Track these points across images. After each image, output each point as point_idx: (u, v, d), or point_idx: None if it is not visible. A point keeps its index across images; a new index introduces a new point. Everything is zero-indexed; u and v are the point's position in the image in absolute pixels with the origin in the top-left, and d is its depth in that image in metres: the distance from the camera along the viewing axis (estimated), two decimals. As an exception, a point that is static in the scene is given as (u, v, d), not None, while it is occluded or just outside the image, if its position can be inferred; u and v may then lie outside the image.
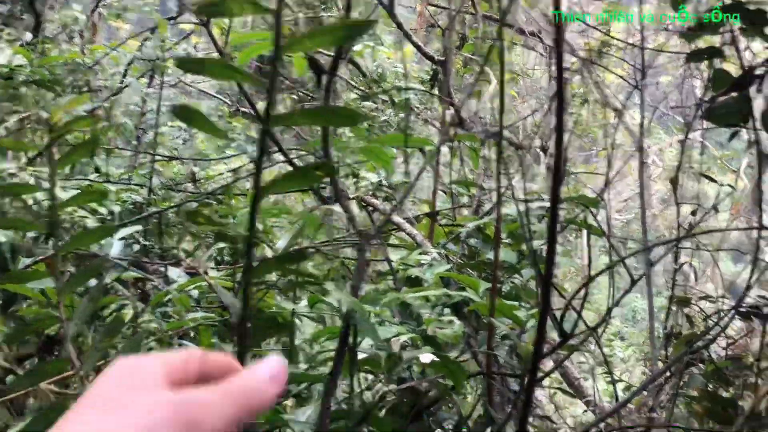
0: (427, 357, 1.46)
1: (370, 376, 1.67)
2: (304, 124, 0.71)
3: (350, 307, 1.13)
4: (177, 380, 0.48)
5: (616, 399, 2.42)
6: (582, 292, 1.49)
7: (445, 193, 2.40)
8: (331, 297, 1.49)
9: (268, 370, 0.49)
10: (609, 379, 3.59)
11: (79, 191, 1.56)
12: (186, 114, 0.60)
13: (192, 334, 1.80)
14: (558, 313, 1.55)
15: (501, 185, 1.85)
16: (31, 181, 2.02)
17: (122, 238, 1.93)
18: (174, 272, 2.06)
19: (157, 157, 2.54)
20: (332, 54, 1.77)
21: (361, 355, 1.39)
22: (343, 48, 1.58)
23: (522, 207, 2.03)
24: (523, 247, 1.83)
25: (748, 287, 2.00)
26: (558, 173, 1.24)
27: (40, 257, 1.63)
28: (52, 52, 3.15)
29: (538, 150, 6.13)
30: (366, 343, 1.39)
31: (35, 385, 1.20)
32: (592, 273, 2.00)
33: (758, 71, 1.87)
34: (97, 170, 2.68)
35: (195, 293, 1.92)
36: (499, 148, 1.43)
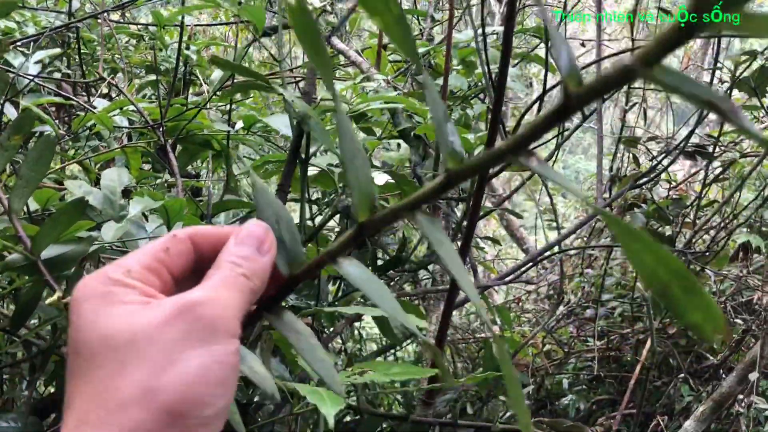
0: (381, 178, 1.39)
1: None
2: None
3: (303, 110, 1.03)
4: (165, 276, 0.40)
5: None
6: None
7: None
8: (274, 119, 1.38)
9: (255, 242, 0.40)
10: (551, 228, 3.67)
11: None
12: None
13: (122, 165, 1.69)
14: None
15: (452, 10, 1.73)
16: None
17: (39, 62, 1.75)
18: (100, 102, 1.91)
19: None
20: None
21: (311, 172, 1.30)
22: None
23: (472, 33, 1.92)
24: (476, 72, 1.74)
25: (697, 124, 1.98)
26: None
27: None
28: None
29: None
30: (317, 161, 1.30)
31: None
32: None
33: None
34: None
35: (125, 122, 1.80)
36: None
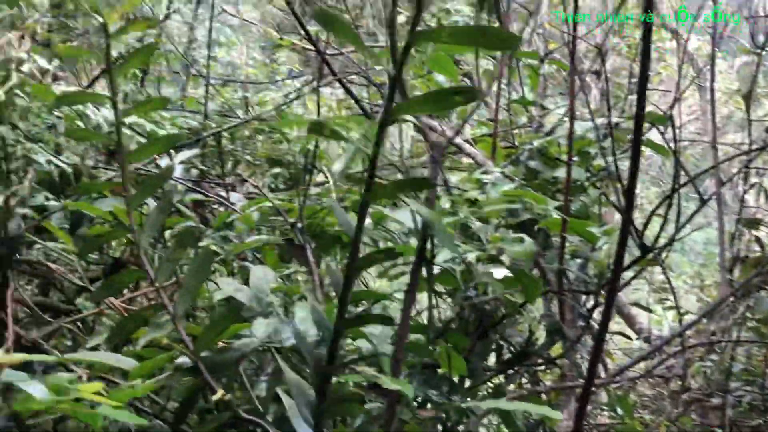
0: (500, 272, 1.42)
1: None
2: (448, 42, 0.80)
3: (428, 218, 1.09)
4: None
5: (680, 324, 2.37)
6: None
7: (507, 111, 2.32)
8: (400, 214, 1.46)
9: None
10: (660, 308, 3.55)
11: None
12: (326, 18, 0.58)
13: (250, 258, 1.80)
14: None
15: (569, 102, 1.78)
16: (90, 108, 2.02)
17: (181, 162, 1.92)
18: (234, 197, 2.06)
19: (210, 83, 2.52)
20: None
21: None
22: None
23: (588, 124, 1.95)
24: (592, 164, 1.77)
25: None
26: (644, 82, 1.17)
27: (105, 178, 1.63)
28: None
29: (591, 73, 5.92)
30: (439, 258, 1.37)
31: (113, 295, 1.21)
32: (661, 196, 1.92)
33: None
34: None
35: (256, 216, 1.93)
36: (572, 59, 1.36)
